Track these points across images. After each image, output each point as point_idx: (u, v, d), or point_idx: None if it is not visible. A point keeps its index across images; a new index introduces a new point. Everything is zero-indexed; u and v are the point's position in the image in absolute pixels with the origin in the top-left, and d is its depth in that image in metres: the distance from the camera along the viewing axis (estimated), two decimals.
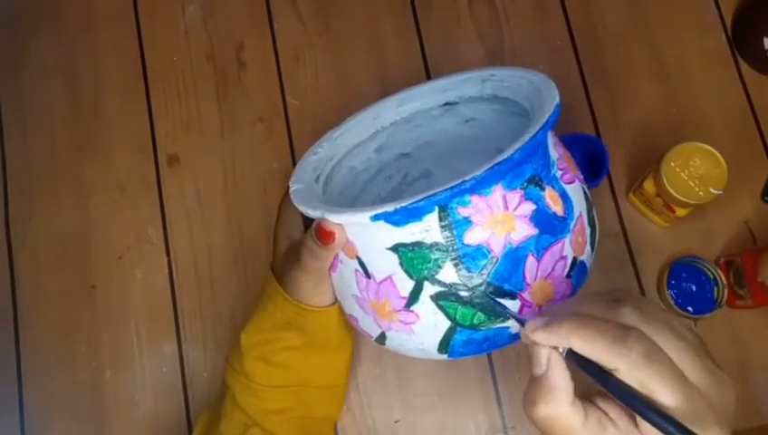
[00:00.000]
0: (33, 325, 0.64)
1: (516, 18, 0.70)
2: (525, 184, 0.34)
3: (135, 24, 0.71)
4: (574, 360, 0.29)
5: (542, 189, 0.34)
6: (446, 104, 0.48)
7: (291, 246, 0.45)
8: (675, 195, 0.55)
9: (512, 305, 0.34)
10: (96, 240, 0.65)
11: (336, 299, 0.42)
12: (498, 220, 0.33)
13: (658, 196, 0.58)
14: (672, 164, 0.55)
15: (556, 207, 0.35)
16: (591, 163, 0.62)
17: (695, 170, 0.55)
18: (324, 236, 0.36)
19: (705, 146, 0.55)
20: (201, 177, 0.67)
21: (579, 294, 0.36)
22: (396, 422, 0.60)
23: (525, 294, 0.34)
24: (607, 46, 0.69)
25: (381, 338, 0.38)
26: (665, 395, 0.26)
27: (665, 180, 0.55)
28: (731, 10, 0.70)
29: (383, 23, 0.71)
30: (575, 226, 0.36)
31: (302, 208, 0.38)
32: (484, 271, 0.33)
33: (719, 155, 0.55)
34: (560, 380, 0.29)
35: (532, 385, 0.30)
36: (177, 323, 0.63)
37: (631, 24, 0.69)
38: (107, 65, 0.70)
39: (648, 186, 0.59)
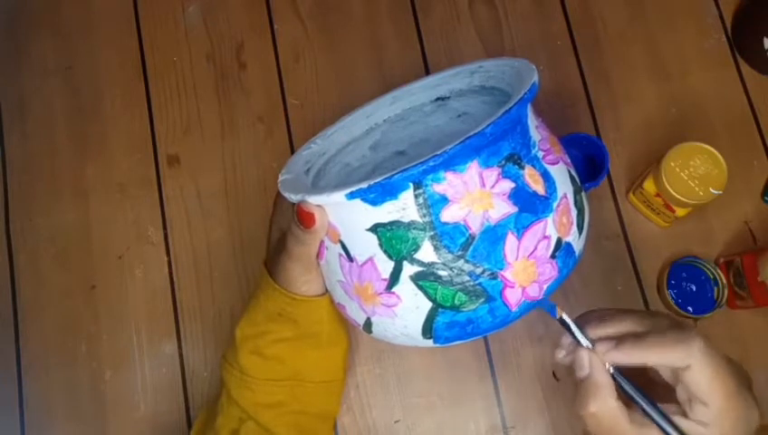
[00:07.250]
0: (33, 325, 0.64)
1: (516, 18, 0.70)
2: (503, 162, 0.34)
3: (135, 24, 0.71)
4: (620, 378, 0.34)
5: (522, 168, 0.34)
6: (437, 99, 0.48)
7: (281, 236, 0.46)
8: (675, 195, 0.55)
9: (494, 285, 0.34)
10: (96, 240, 0.65)
11: (326, 290, 0.43)
12: (475, 198, 0.33)
13: (658, 196, 0.58)
14: (672, 164, 0.55)
15: (537, 186, 0.34)
16: (591, 163, 0.62)
17: (695, 170, 0.55)
18: (305, 218, 0.36)
19: (705, 146, 0.55)
20: (201, 177, 0.67)
21: (605, 312, 0.37)
22: (396, 422, 0.60)
23: (507, 274, 0.34)
24: (607, 46, 0.69)
25: (368, 325, 0.38)
26: (728, 380, 0.32)
27: (665, 180, 0.55)
28: (731, 10, 0.70)
29: (383, 22, 0.71)
30: (558, 206, 0.35)
31: (286, 194, 0.38)
32: (463, 249, 0.33)
33: (719, 155, 0.55)
34: (603, 377, 0.33)
35: (580, 388, 0.34)
36: (177, 323, 0.63)
37: (631, 24, 0.69)
38: (107, 65, 0.70)
39: (648, 186, 0.59)
